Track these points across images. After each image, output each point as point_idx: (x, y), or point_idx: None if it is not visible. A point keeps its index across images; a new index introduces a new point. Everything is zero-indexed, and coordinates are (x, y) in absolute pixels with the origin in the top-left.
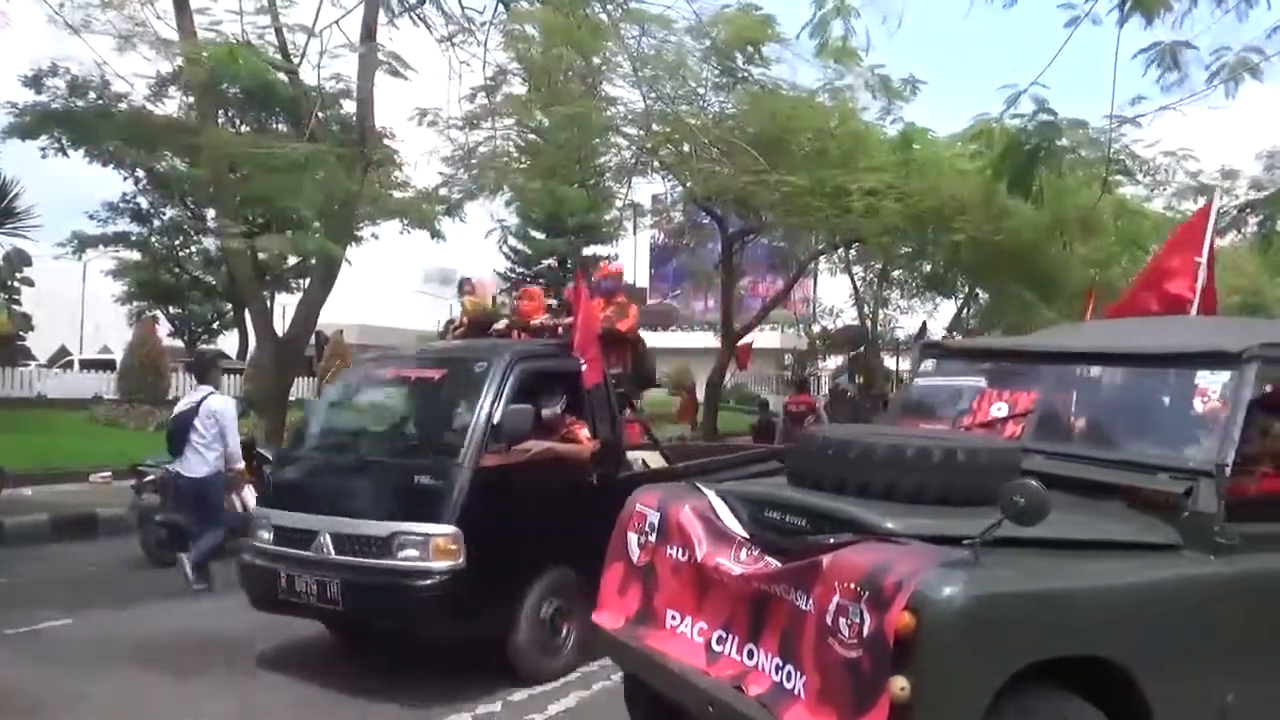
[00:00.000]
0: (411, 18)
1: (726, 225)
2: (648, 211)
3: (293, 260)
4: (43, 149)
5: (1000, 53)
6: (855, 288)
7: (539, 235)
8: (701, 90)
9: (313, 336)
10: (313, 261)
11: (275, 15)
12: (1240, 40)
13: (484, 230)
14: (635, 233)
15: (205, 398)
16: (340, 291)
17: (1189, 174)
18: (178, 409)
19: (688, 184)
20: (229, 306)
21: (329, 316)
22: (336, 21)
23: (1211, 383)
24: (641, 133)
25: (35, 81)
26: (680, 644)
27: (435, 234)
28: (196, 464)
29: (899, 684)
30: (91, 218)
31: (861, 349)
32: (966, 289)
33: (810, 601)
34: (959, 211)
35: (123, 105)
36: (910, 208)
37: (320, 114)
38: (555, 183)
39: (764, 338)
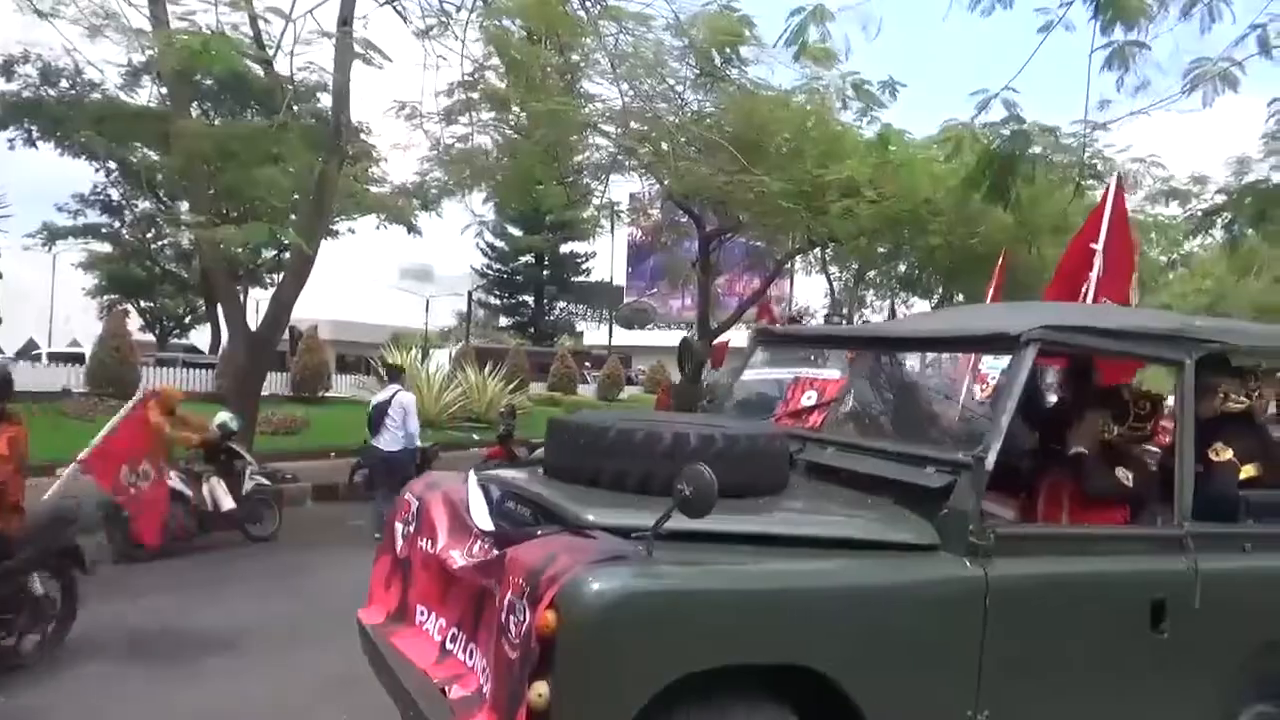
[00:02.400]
0: (395, 9)
1: (704, 224)
2: (625, 209)
3: (267, 254)
4: (10, 140)
5: (977, 57)
6: (831, 288)
7: (516, 232)
8: (679, 89)
9: (286, 331)
10: (286, 256)
11: (250, 3)
12: (1202, 50)
13: (461, 226)
14: (613, 230)
15: (396, 393)
16: (315, 287)
17: (1158, 179)
18: (375, 400)
19: (665, 182)
20: (202, 300)
21: (302, 311)
22: (311, 10)
23: (993, 368)
24: (619, 130)
25: (6, 69)
26: (421, 642)
27: (412, 229)
28: (389, 441)
29: (538, 690)
30: (61, 209)
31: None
32: (941, 290)
33: (497, 598)
34: (934, 214)
35: (95, 95)
36: (886, 209)
37: (295, 107)
38: (531, 175)
39: (741, 337)
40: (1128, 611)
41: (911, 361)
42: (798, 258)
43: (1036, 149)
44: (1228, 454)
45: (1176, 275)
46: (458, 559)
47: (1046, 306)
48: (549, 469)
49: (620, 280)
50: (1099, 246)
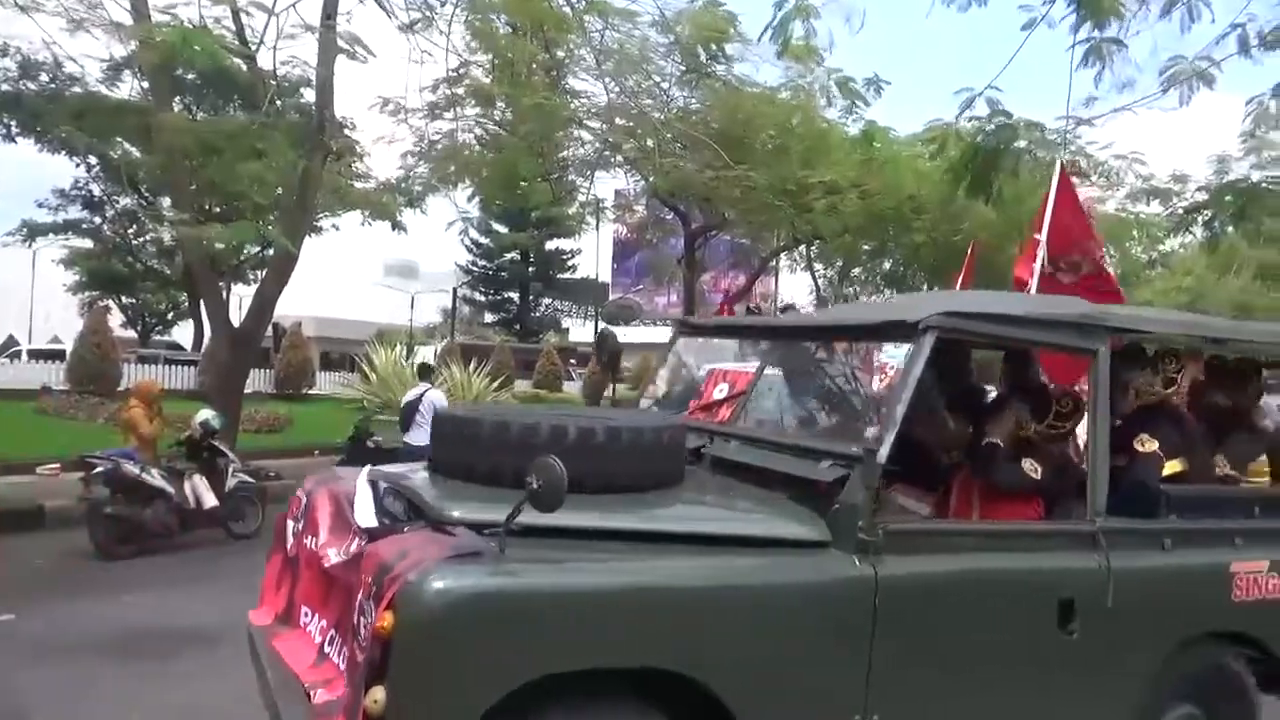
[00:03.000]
0: (379, 2)
1: (689, 221)
2: (610, 206)
3: (250, 250)
4: None
5: (962, 53)
6: (816, 285)
7: (501, 228)
8: (665, 85)
9: (269, 328)
10: (269, 252)
11: None
12: (1183, 49)
13: (445, 222)
14: (598, 227)
15: (425, 391)
16: (299, 283)
17: (1140, 177)
18: (406, 398)
19: (651, 179)
20: (184, 297)
21: (286, 308)
22: (294, 4)
23: (893, 357)
24: (605, 126)
25: None
26: (302, 644)
27: (396, 226)
28: (419, 437)
29: (374, 695)
30: (41, 205)
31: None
32: (926, 287)
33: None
34: (918, 212)
35: (75, 89)
36: (871, 206)
37: (279, 102)
38: (518, 174)
39: None
40: (1032, 611)
41: (821, 352)
42: (783, 255)
43: (1021, 143)
44: (1153, 445)
45: (1157, 273)
46: (332, 557)
47: (961, 295)
48: (432, 463)
49: (606, 277)
50: (1042, 236)
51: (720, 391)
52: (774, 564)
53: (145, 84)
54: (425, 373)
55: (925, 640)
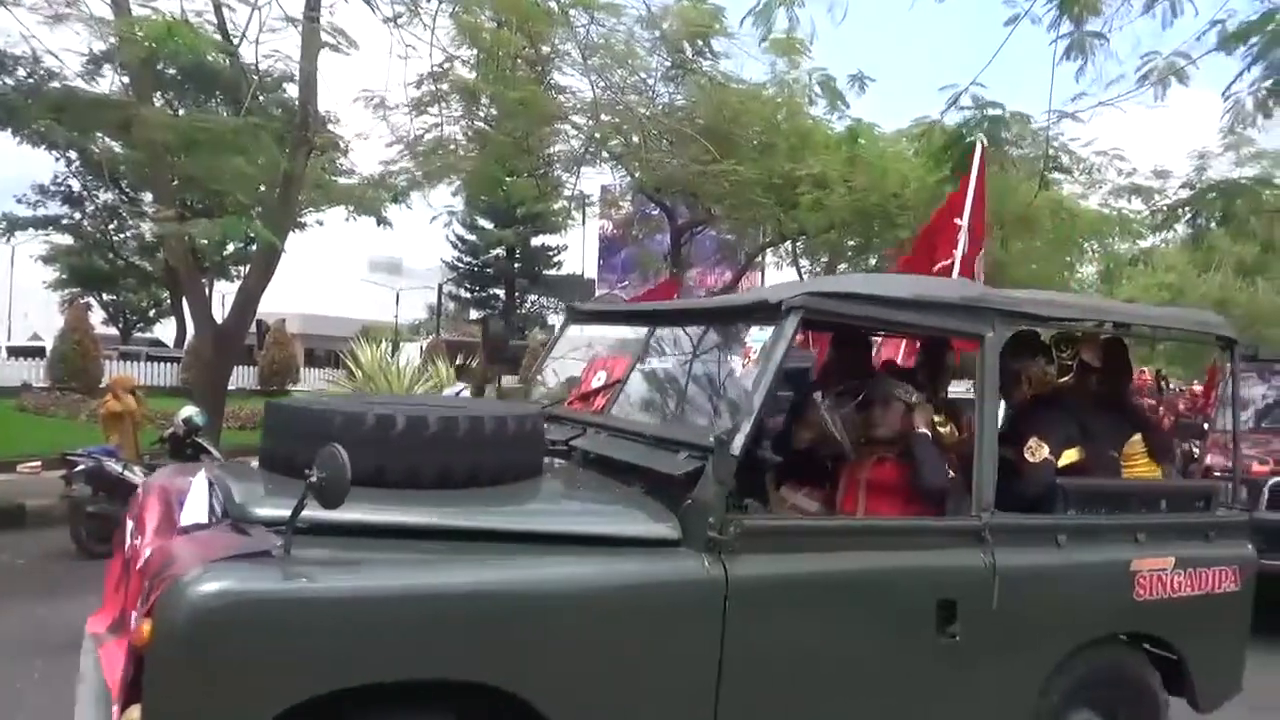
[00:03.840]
0: None
1: (675, 217)
2: (596, 202)
3: (232, 247)
4: None
5: (948, 49)
6: (802, 281)
7: (486, 224)
8: (650, 81)
9: (253, 325)
10: (253, 248)
11: None
12: (1165, 45)
13: (430, 218)
14: (584, 223)
15: (461, 390)
16: (283, 279)
17: (1121, 173)
18: (442, 396)
19: (636, 174)
20: (166, 293)
21: (270, 305)
22: None
23: (759, 341)
24: (590, 122)
25: None
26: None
27: (381, 221)
28: None
29: (131, 715)
30: (20, 200)
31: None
32: None
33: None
34: (903, 208)
35: (54, 84)
36: (856, 202)
37: (261, 96)
38: (503, 170)
39: None
40: (908, 613)
41: (694, 338)
42: (769, 251)
43: (1007, 134)
44: (1043, 452)
45: (1138, 270)
46: (145, 558)
47: (842, 278)
48: (261, 458)
49: (592, 273)
50: (963, 222)
51: (599, 380)
52: (611, 565)
53: (126, 79)
54: (461, 373)
55: (784, 646)
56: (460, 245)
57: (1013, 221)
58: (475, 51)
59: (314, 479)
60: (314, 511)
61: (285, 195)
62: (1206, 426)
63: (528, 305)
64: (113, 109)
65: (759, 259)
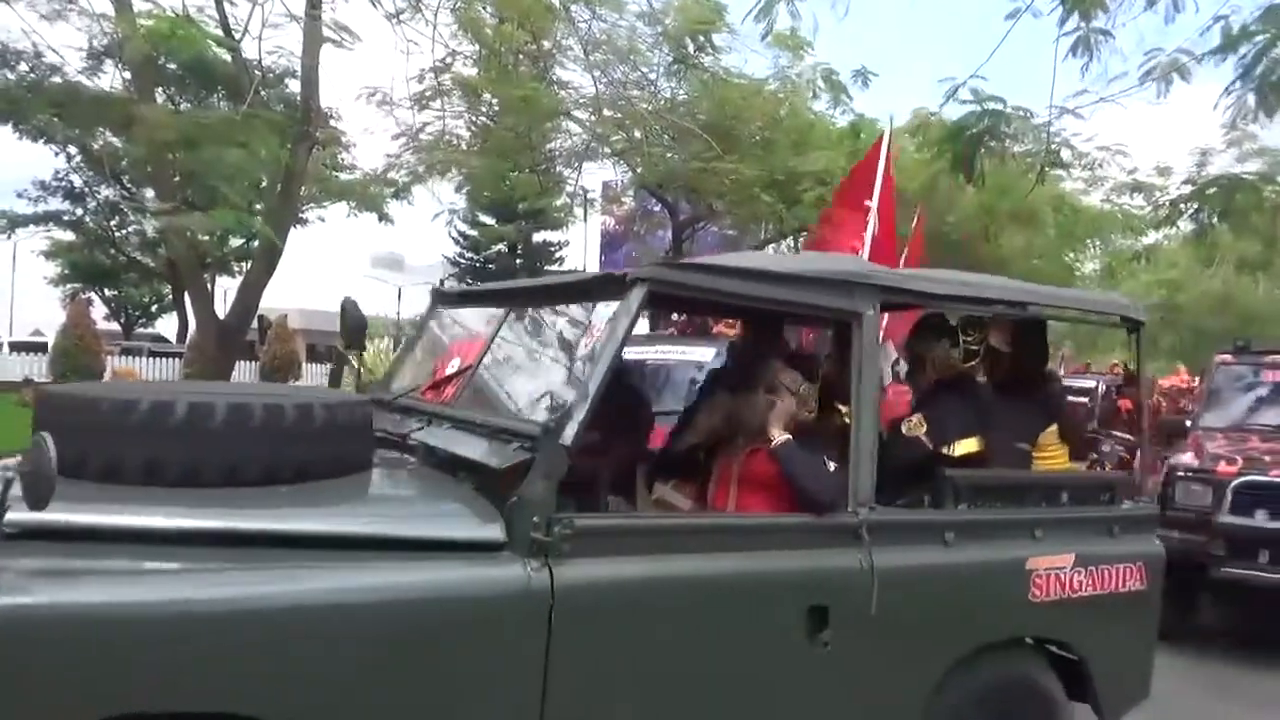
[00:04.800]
0: None
1: (677, 212)
2: (598, 198)
3: (235, 242)
4: None
5: (950, 44)
6: None
7: (488, 220)
8: (652, 76)
9: (255, 320)
10: (255, 244)
11: None
12: (1168, 41)
13: (432, 214)
14: (585, 219)
15: None
16: (285, 275)
17: (1124, 170)
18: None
19: (639, 170)
20: (168, 289)
21: (272, 300)
22: None
23: (605, 319)
24: (592, 117)
25: None
26: None
27: (383, 217)
28: None
29: None
30: (21, 195)
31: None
32: None
33: None
34: (905, 204)
35: (55, 79)
36: None
37: (263, 92)
38: (505, 165)
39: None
40: (771, 620)
41: (549, 318)
42: (771, 247)
43: (1009, 129)
44: (920, 430)
45: (1141, 266)
46: None
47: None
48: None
49: (594, 269)
50: (873, 204)
51: (453, 367)
52: (410, 573)
53: (127, 75)
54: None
55: (622, 663)
56: (462, 241)
57: (1013, 216)
58: (477, 48)
59: (11, 475)
60: (21, 514)
61: (287, 191)
62: (1189, 424)
63: None
64: (114, 106)
65: None
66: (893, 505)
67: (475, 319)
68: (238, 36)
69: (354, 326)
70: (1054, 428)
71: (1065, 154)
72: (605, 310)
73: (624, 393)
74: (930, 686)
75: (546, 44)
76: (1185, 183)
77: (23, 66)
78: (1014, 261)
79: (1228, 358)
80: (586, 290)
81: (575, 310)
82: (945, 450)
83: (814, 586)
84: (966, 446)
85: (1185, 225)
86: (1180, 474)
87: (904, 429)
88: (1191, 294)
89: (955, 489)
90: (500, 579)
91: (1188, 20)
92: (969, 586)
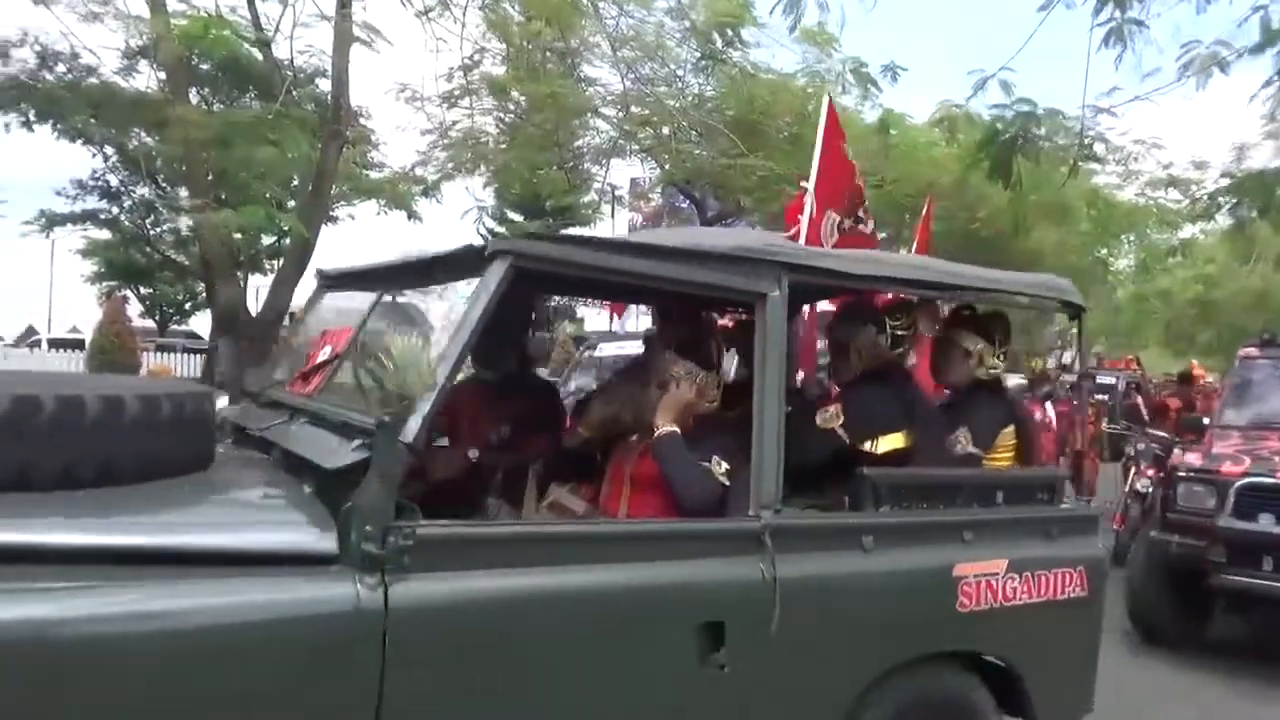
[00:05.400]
0: None
1: (705, 209)
2: (625, 194)
3: (267, 240)
4: (6, 124)
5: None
6: None
7: (516, 217)
8: (680, 72)
9: (286, 317)
10: (286, 242)
11: None
12: (1203, 30)
13: (461, 211)
14: (613, 216)
15: None
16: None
17: (1159, 164)
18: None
19: (666, 166)
20: (201, 287)
21: (304, 298)
22: None
23: (463, 296)
24: (620, 114)
25: (2, 53)
26: None
27: (412, 215)
28: None
29: None
30: (59, 194)
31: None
32: None
33: None
34: (935, 199)
35: (92, 80)
36: (887, 194)
37: (294, 91)
38: (532, 159)
39: None
40: (653, 642)
41: (417, 299)
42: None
43: (1041, 131)
44: (837, 422)
45: (1177, 262)
46: None
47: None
48: None
49: None
50: (810, 185)
51: (324, 355)
52: (217, 591)
53: (162, 75)
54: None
55: (474, 693)
56: (490, 238)
57: (1045, 212)
58: (505, 46)
59: None
60: None
61: (318, 189)
62: (1206, 421)
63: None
64: (149, 107)
65: None
66: (806, 507)
67: (360, 303)
68: (270, 35)
69: (228, 311)
70: (1011, 429)
71: (1099, 148)
72: (467, 289)
73: (534, 387)
74: (844, 711)
75: (574, 41)
76: (1223, 176)
77: (60, 67)
78: (1046, 257)
79: (1253, 351)
80: (449, 267)
81: (441, 290)
82: (868, 447)
83: (706, 601)
84: (891, 443)
85: (1223, 220)
86: (1182, 474)
87: (819, 420)
88: (1228, 290)
89: (875, 489)
90: (325, 598)
91: (1220, 11)
92: (888, 597)
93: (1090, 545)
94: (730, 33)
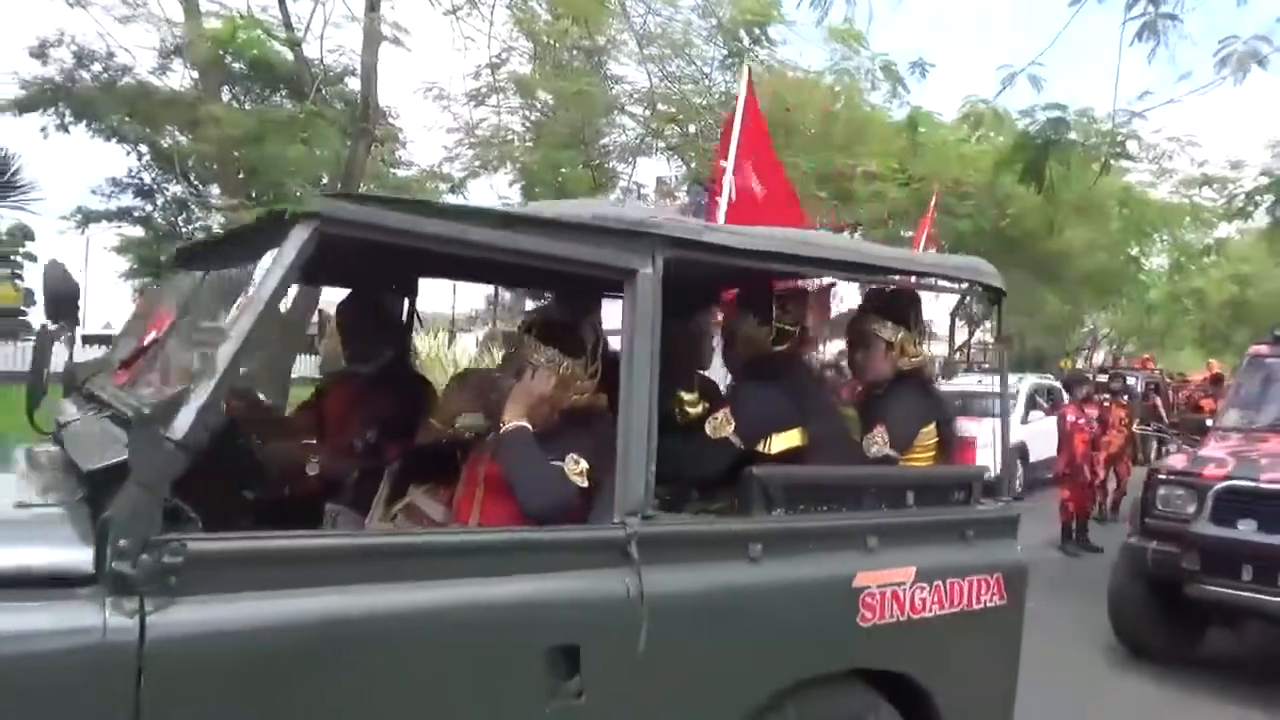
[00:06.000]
0: None
1: None
2: (652, 192)
3: None
4: (43, 127)
5: (1011, 33)
6: None
7: None
8: (707, 70)
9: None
10: None
11: None
12: (1240, 23)
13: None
14: None
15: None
16: None
17: (1193, 161)
18: None
19: (692, 165)
20: None
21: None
22: None
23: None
24: (646, 111)
25: (40, 52)
26: None
27: None
28: None
29: None
30: (95, 192)
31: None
32: None
33: None
34: (962, 197)
35: (127, 79)
36: (915, 192)
37: (324, 90)
38: (557, 157)
39: None
40: (491, 671)
41: (232, 275)
42: None
43: (1073, 134)
44: (728, 429)
45: (1212, 260)
46: None
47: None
48: None
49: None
50: (728, 164)
51: (150, 342)
52: None
53: (195, 74)
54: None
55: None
56: None
57: (1077, 209)
58: (532, 45)
59: None
60: None
61: (346, 186)
62: (1209, 423)
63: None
64: (183, 107)
65: None
66: (698, 513)
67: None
68: (300, 35)
69: (59, 295)
70: (932, 426)
71: (1131, 145)
72: (268, 261)
73: (404, 382)
74: None
75: (600, 39)
76: (1262, 174)
77: (96, 66)
78: (1077, 256)
79: (1262, 349)
80: (253, 237)
81: (248, 264)
82: (761, 448)
83: (556, 621)
84: (786, 441)
85: (1260, 218)
86: (1161, 477)
87: (709, 429)
88: (1264, 290)
89: (765, 491)
90: (63, 628)
91: (1261, 4)
92: (778, 612)
93: (1009, 549)
94: (758, 30)
